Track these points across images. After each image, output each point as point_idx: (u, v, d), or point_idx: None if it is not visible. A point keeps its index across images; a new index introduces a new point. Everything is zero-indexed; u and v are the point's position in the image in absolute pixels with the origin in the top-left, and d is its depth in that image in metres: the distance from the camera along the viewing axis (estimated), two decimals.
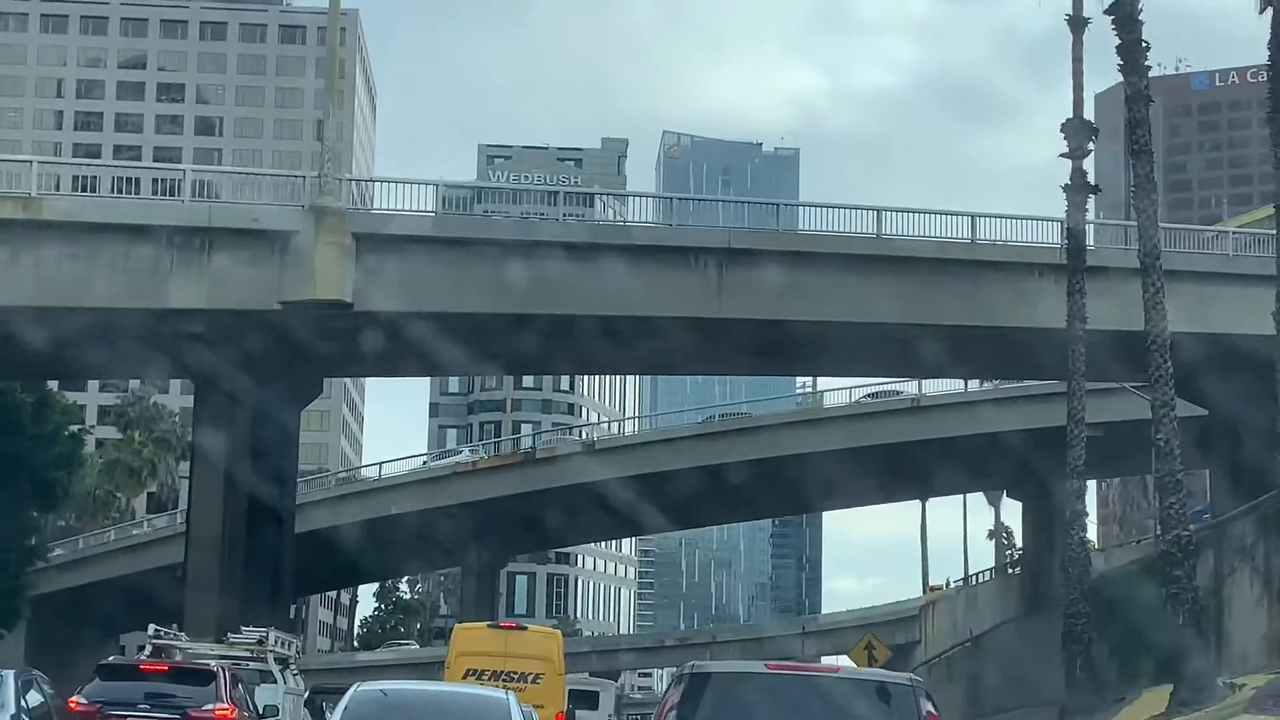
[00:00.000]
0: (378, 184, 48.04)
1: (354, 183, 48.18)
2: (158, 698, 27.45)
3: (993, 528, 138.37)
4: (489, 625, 39.67)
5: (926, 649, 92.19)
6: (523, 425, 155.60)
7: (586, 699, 48.64)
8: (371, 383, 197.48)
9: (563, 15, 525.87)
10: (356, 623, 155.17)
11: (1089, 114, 51.59)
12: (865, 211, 51.41)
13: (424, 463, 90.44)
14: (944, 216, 52.47)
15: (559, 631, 41.21)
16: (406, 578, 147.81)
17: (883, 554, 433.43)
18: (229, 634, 37.55)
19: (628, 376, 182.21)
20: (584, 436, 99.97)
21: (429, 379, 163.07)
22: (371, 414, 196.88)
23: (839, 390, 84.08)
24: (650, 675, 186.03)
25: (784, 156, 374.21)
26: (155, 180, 46.24)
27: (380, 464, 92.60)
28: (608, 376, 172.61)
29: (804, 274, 50.48)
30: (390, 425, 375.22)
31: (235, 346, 47.88)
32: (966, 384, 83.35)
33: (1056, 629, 58.06)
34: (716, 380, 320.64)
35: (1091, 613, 47.53)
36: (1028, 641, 61.69)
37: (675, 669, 23.65)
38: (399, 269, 46.87)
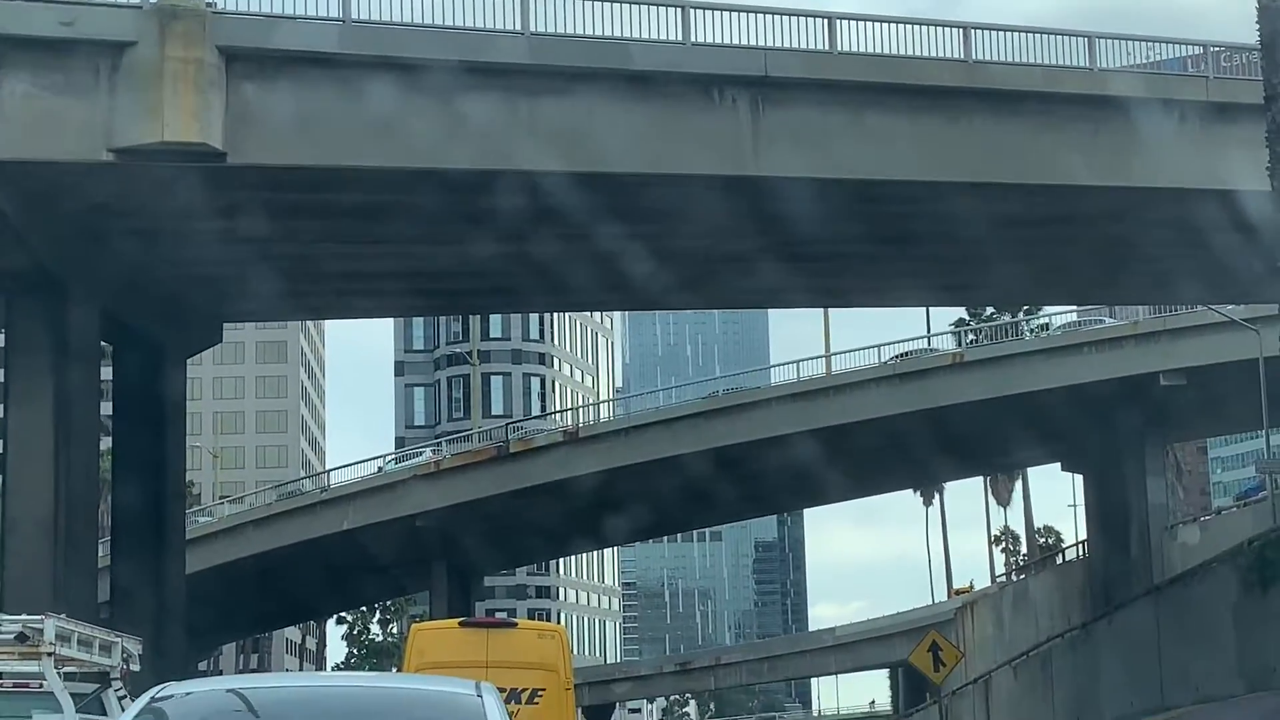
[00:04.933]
0: None
1: None
2: None
3: (999, 532, 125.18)
4: (461, 622, 25.83)
5: (975, 653, 77.12)
6: (492, 378, 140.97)
7: None
8: (332, 367, 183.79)
9: None
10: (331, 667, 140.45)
11: None
12: (950, 29, 35.85)
13: (379, 468, 74.58)
14: (1055, 37, 36.82)
15: (562, 629, 26.61)
16: (377, 618, 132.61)
17: (865, 577, 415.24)
18: None
19: (606, 329, 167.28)
20: (567, 422, 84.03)
21: (396, 339, 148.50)
22: (333, 393, 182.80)
23: (854, 353, 69.94)
24: (640, 711, 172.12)
25: None
26: None
27: (329, 471, 77.24)
28: (586, 326, 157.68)
29: (872, 115, 34.90)
30: (355, 400, 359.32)
31: (52, 229, 31.58)
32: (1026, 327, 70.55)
33: (1198, 609, 42.88)
34: (689, 347, 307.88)
35: None
36: (1154, 625, 45.86)
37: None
38: (293, 104, 30.52)
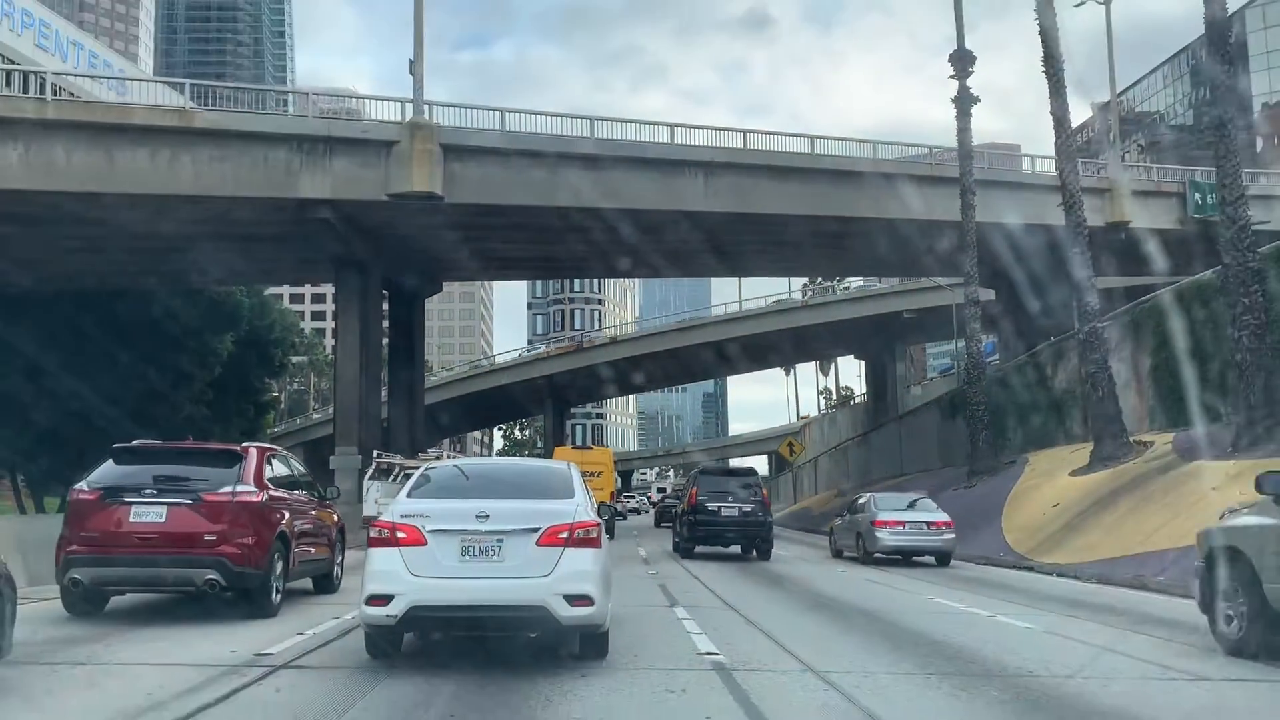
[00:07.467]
0: (459, 109, 31.19)
1: (440, 107, 30.94)
2: (169, 481, 11.21)
3: (822, 389, 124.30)
4: (574, 447, 36.31)
5: (809, 449, 76.85)
6: (576, 312, 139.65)
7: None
8: (496, 304, 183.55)
9: None
10: (495, 452, 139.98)
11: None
12: (804, 138, 35.15)
13: (518, 356, 74.26)
14: (853, 143, 36.18)
15: (610, 449, 34.02)
16: (518, 426, 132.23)
17: (757, 410, 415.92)
18: (420, 451, 23.52)
19: (630, 288, 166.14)
20: (611, 333, 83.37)
21: (526, 292, 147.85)
22: (497, 318, 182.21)
23: (756, 300, 69.36)
24: (646, 474, 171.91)
25: None
26: (284, 98, 29.50)
27: (494, 355, 76.66)
28: (620, 286, 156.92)
29: (764, 180, 34.26)
30: (507, 322, 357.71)
31: (358, 233, 31.28)
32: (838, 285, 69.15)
33: (919, 428, 42.61)
34: (674, 294, 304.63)
35: (986, 399, 30.93)
36: (898, 435, 45.71)
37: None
38: (477, 172, 30.20)
